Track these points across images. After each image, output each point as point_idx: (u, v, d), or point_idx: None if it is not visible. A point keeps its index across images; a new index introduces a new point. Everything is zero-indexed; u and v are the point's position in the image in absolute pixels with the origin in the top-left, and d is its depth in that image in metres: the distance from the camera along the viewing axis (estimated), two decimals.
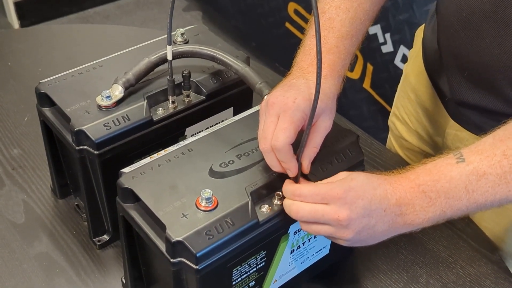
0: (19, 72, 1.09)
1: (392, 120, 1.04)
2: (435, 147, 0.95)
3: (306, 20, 1.97)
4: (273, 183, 0.64)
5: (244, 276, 0.65)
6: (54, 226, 0.83)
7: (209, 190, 0.60)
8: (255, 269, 0.66)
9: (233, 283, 0.65)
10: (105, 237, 0.80)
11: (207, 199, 0.60)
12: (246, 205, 0.62)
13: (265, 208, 0.63)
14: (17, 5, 2.28)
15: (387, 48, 1.71)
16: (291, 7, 2.00)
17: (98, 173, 0.72)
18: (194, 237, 0.58)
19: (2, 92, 1.05)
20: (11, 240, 0.81)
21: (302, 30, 2.00)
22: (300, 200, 0.60)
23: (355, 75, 1.88)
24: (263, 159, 0.66)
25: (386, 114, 1.82)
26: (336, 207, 0.59)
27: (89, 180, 0.74)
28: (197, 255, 0.58)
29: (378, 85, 1.80)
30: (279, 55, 2.06)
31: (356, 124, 1.06)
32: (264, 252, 0.66)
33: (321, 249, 0.75)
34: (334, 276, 0.78)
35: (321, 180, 0.65)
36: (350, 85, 1.90)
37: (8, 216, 0.84)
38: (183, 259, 0.59)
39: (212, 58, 0.77)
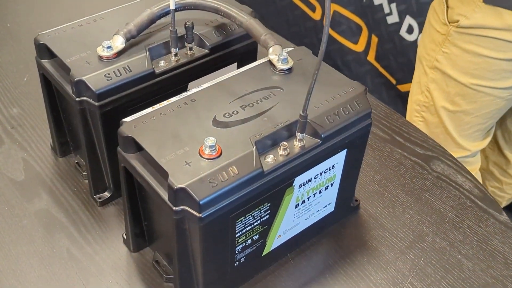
0: (18, 33, 1.07)
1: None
2: None
3: None
4: (279, 133, 0.63)
5: (248, 229, 0.64)
6: (54, 184, 0.81)
7: (213, 138, 0.59)
8: (259, 221, 0.65)
9: (237, 235, 0.63)
10: (106, 194, 0.79)
11: (211, 146, 0.58)
12: (251, 154, 0.60)
13: (270, 158, 0.62)
14: None
15: (393, 18, 1.69)
16: None
17: (99, 126, 0.71)
18: (197, 185, 0.57)
19: (1, 53, 1.03)
20: (11, 197, 0.79)
21: (305, 1, 1.97)
22: None
23: (360, 47, 1.85)
24: (268, 109, 0.65)
25: (391, 87, 1.80)
26: None
27: (89, 134, 0.73)
28: (200, 202, 0.56)
29: (383, 57, 1.78)
30: (283, 27, 2.03)
31: None
32: (269, 204, 0.64)
33: (326, 205, 0.74)
34: (339, 234, 0.77)
35: (328, 131, 0.64)
36: (353, 58, 1.87)
37: (7, 174, 0.82)
38: (186, 207, 0.57)
39: (216, 11, 0.75)
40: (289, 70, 0.70)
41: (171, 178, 0.57)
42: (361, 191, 0.83)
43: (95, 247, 0.74)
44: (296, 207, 0.69)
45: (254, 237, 0.66)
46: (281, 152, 0.62)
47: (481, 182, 1.33)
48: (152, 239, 0.73)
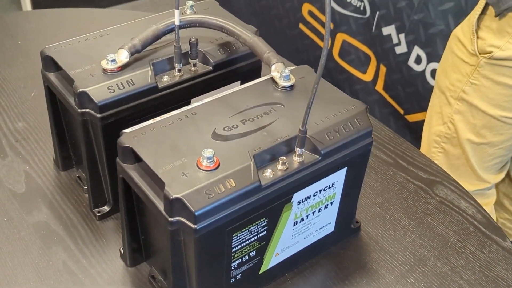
0: (28, 50, 1.09)
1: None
2: None
3: (320, 21, 1.97)
4: (278, 148, 0.63)
5: (244, 244, 0.63)
6: (54, 197, 0.81)
7: (211, 150, 0.59)
8: (256, 237, 0.64)
9: (233, 250, 0.63)
10: (105, 208, 0.79)
11: (209, 158, 0.58)
12: (249, 167, 0.60)
13: (268, 172, 0.61)
14: (33, 2, 2.30)
15: (401, 49, 1.69)
16: (305, 8, 1.99)
17: (100, 138, 0.71)
18: (194, 195, 0.56)
19: (11, 69, 1.04)
20: (10, 208, 0.79)
21: (315, 31, 1.99)
22: None
23: (368, 77, 1.86)
24: (268, 124, 0.65)
25: (399, 117, 1.80)
26: None
27: (90, 146, 0.73)
28: (196, 213, 0.56)
29: (391, 87, 1.78)
30: (292, 56, 2.05)
31: None
32: (266, 220, 0.63)
33: (326, 225, 0.73)
34: (338, 256, 0.76)
35: (327, 147, 0.63)
36: (362, 87, 1.88)
37: (9, 186, 0.82)
38: (181, 218, 0.57)
39: (221, 28, 0.76)
40: (291, 87, 0.70)
41: (167, 188, 0.56)
42: (362, 213, 0.82)
43: (92, 260, 0.73)
44: (294, 225, 0.68)
45: (251, 253, 0.65)
46: (279, 166, 0.62)
47: (495, 217, 1.32)
48: (149, 254, 0.72)
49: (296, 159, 0.63)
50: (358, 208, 0.81)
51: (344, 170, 0.68)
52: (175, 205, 0.56)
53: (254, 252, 0.66)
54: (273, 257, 0.69)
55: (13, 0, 2.48)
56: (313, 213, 0.69)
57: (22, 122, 0.93)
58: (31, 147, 0.89)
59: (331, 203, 0.71)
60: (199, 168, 0.59)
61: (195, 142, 0.62)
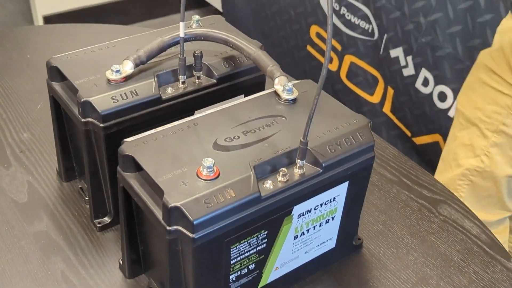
0: (36, 63, 1.10)
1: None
2: None
3: None
4: (279, 159, 0.62)
5: (243, 256, 0.63)
6: (56, 207, 0.81)
7: (211, 159, 0.59)
8: (255, 250, 0.63)
9: (232, 262, 0.62)
10: (106, 220, 0.78)
11: (209, 167, 0.58)
12: (249, 178, 0.59)
13: (268, 184, 0.61)
14: (45, 19, 2.33)
15: (409, 71, 1.70)
16: (313, 30, 2.01)
17: (103, 148, 0.71)
18: (192, 204, 0.56)
19: (19, 81, 1.05)
20: (12, 217, 0.79)
21: (323, 53, 2.00)
22: None
23: (375, 99, 1.86)
24: (269, 136, 0.65)
25: (406, 139, 1.79)
26: None
27: (93, 156, 0.73)
28: (194, 222, 0.55)
29: (398, 109, 1.78)
30: (300, 77, 2.05)
31: None
32: (266, 232, 0.63)
33: (327, 240, 0.72)
34: (339, 272, 0.75)
35: (329, 160, 0.63)
36: (369, 109, 1.88)
37: (11, 195, 0.82)
38: (179, 227, 0.57)
39: (225, 42, 0.76)
40: (294, 100, 0.70)
41: (166, 196, 0.56)
42: (364, 230, 0.81)
43: (90, 271, 0.73)
44: (295, 239, 0.67)
45: (250, 267, 0.65)
46: (280, 178, 0.61)
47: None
48: (148, 265, 0.72)
49: (297, 171, 0.62)
50: (361, 225, 0.80)
51: (345, 184, 0.68)
52: (174, 214, 0.56)
53: (253, 265, 0.65)
54: (273, 271, 0.68)
55: (26, 18, 2.52)
56: (314, 227, 0.69)
57: (27, 133, 0.94)
58: (35, 158, 0.89)
59: (333, 218, 0.70)
60: (199, 177, 0.58)
61: (196, 152, 0.62)
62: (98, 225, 0.78)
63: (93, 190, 0.76)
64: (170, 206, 0.56)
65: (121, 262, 0.73)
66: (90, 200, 0.77)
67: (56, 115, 0.79)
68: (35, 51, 1.14)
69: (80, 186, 0.84)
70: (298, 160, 0.62)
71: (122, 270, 0.73)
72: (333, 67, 1.96)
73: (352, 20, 1.83)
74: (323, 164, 0.63)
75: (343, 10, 1.85)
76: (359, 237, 0.79)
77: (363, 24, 1.81)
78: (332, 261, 0.76)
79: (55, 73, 0.75)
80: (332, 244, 0.73)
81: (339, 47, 1.92)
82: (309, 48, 2.04)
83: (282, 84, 0.71)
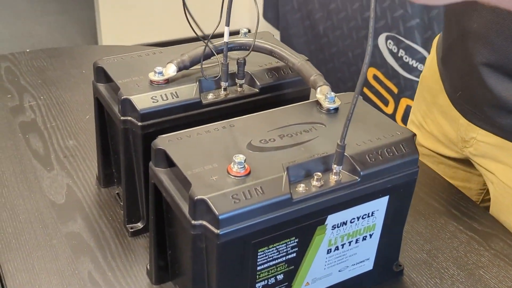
0: (90, 78, 1.11)
1: (409, 128, 1.02)
2: (449, 145, 0.95)
3: (384, 86, 1.95)
4: (314, 164, 0.60)
5: (271, 264, 0.60)
6: (91, 211, 0.81)
7: (242, 156, 0.57)
8: (284, 258, 0.60)
9: (258, 267, 0.59)
10: (139, 225, 0.77)
11: (239, 163, 0.56)
12: (281, 179, 0.57)
13: (301, 187, 0.58)
14: None
15: None
16: (370, 72, 1.99)
17: (140, 148, 0.71)
18: (219, 198, 0.54)
19: (72, 93, 1.08)
20: (47, 217, 0.79)
21: (379, 95, 1.97)
22: None
23: (389, 109, 1.83)
24: (307, 141, 0.62)
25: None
26: None
27: (130, 156, 0.73)
28: (220, 217, 0.53)
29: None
30: None
31: None
32: (296, 240, 0.60)
33: (364, 261, 0.68)
34: None
35: (368, 169, 0.60)
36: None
37: (50, 196, 0.83)
38: (205, 222, 0.54)
39: (270, 52, 0.76)
40: (336, 110, 0.68)
41: (193, 188, 0.54)
42: (406, 257, 0.76)
43: (117, 274, 0.71)
44: (328, 253, 0.63)
45: (278, 277, 0.61)
46: (314, 182, 0.59)
47: None
48: (175, 272, 0.69)
49: (333, 178, 0.59)
50: (403, 252, 0.75)
51: (386, 198, 0.64)
52: (199, 207, 0.54)
53: (282, 275, 0.62)
54: (303, 287, 0.64)
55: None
56: (350, 243, 0.65)
57: (73, 140, 0.95)
58: (77, 163, 0.90)
59: (370, 236, 0.66)
60: (229, 173, 0.57)
61: (229, 150, 0.60)
62: (130, 230, 0.77)
63: (128, 193, 0.75)
64: (196, 198, 0.54)
65: (148, 267, 0.71)
66: (124, 204, 0.77)
67: (99, 117, 0.79)
68: (90, 67, 1.16)
69: (117, 191, 0.83)
70: (335, 166, 0.59)
71: (149, 276, 0.71)
72: (389, 110, 1.92)
73: (410, 62, 1.80)
74: (361, 173, 0.60)
75: (401, 53, 1.83)
76: (400, 263, 0.74)
77: (420, 67, 1.77)
78: (369, 285, 0.71)
79: (100, 74, 0.76)
80: (369, 265, 0.69)
81: (395, 90, 1.89)
82: (365, 90, 2.01)
83: (324, 93, 0.69)
